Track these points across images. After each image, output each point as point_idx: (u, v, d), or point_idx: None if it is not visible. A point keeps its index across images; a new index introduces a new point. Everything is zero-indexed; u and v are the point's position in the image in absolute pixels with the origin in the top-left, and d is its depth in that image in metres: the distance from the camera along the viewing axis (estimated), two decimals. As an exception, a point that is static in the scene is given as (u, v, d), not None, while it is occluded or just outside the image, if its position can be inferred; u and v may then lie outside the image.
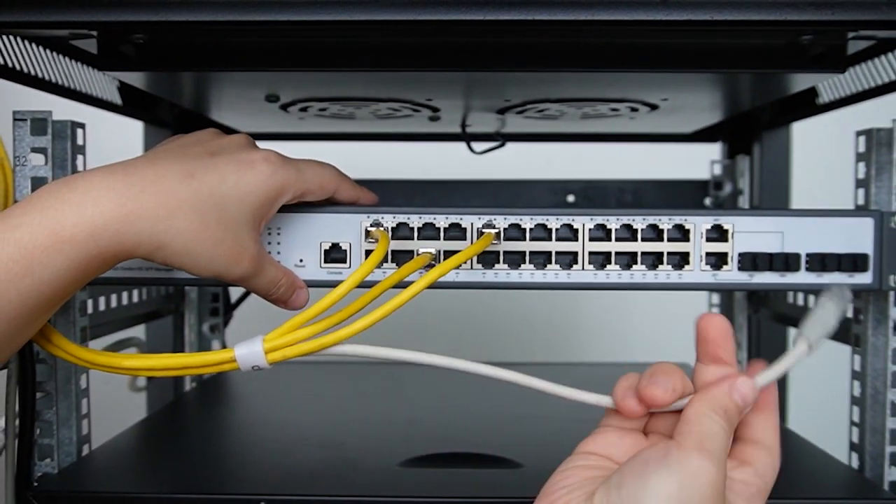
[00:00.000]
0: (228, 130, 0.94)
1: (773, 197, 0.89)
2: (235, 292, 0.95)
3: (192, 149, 0.47)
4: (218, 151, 0.47)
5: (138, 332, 0.84)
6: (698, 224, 0.54)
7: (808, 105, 0.80)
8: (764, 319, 0.88)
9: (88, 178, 0.42)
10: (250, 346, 0.46)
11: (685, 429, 0.42)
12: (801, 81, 0.65)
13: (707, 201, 0.96)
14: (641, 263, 0.54)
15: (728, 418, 0.42)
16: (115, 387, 0.91)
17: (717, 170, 0.95)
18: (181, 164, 0.45)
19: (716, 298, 0.96)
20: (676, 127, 0.93)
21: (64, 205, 0.41)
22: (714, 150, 0.99)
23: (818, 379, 1.08)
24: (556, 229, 0.54)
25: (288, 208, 0.52)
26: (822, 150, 1.15)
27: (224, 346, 0.95)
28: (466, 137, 0.86)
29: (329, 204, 0.53)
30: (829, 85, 0.76)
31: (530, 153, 1.13)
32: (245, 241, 0.47)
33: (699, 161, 0.99)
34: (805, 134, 0.92)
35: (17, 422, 0.56)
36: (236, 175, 0.46)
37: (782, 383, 0.90)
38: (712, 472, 0.39)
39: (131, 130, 0.91)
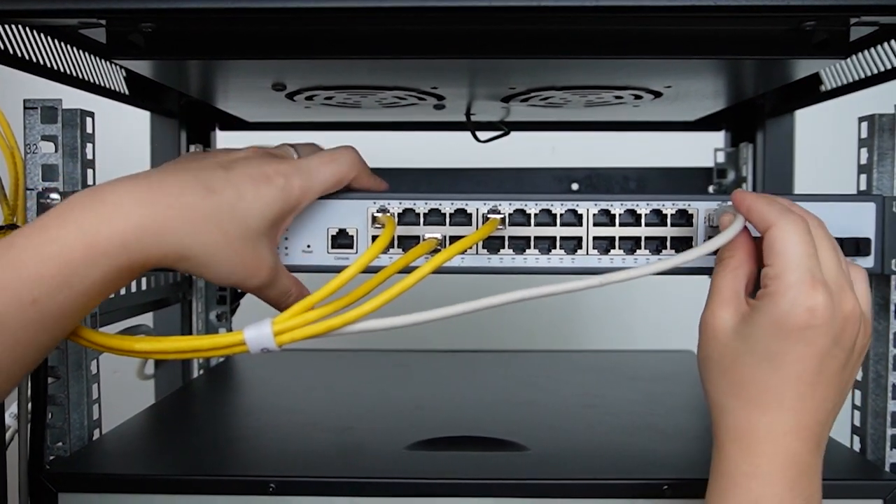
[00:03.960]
0: (235, 121, 0.95)
1: (776, 184, 0.89)
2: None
3: (204, 161, 0.48)
4: (230, 165, 0.48)
5: (146, 319, 0.85)
6: (701, 209, 0.54)
7: (812, 92, 0.80)
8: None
9: (117, 192, 0.43)
10: (259, 328, 0.47)
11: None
12: (803, 68, 0.65)
13: (711, 189, 0.96)
14: (645, 248, 0.54)
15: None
16: (124, 374, 0.92)
17: (721, 158, 0.96)
18: (199, 179, 0.46)
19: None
20: (680, 115, 0.93)
21: (97, 219, 0.42)
22: (718, 139, 0.99)
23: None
24: (561, 214, 0.54)
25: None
26: (825, 138, 1.15)
27: (231, 334, 0.95)
28: (471, 126, 0.87)
29: (341, 190, 0.54)
30: (832, 72, 0.76)
31: (535, 142, 1.13)
32: (263, 253, 0.48)
33: (703, 150, 0.99)
34: (808, 121, 0.92)
35: (29, 406, 0.57)
36: (254, 191, 0.47)
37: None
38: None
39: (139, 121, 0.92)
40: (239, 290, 0.97)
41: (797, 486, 0.45)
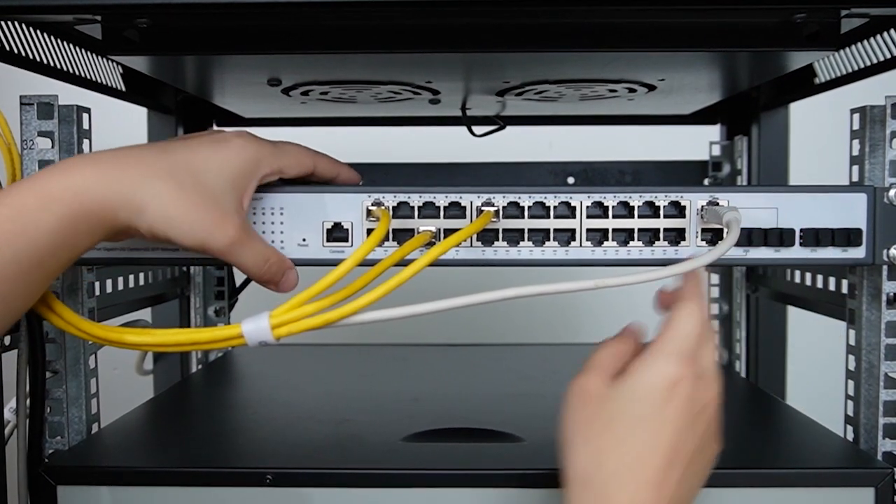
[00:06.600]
0: (231, 117, 0.95)
1: (771, 177, 0.90)
2: (241, 275, 0.96)
3: (172, 140, 0.52)
4: (195, 137, 0.51)
5: (144, 315, 0.85)
6: (694, 200, 0.55)
7: (806, 85, 0.80)
8: (763, 298, 0.89)
9: (73, 158, 0.47)
10: (257, 321, 0.47)
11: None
12: (796, 60, 0.66)
13: (706, 182, 0.96)
14: (638, 240, 0.55)
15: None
16: (123, 371, 0.92)
17: (716, 151, 0.96)
18: (156, 146, 0.49)
19: (715, 278, 0.97)
20: (674, 108, 0.93)
21: (50, 174, 0.45)
22: (713, 132, 0.99)
23: (814, 354, 1.09)
24: (555, 207, 0.55)
25: (290, 188, 0.54)
26: (820, 132, 1.15)
27: (229, 329, 0.96)
28: (467, 120, 0.87)
29: (314, 181, 0.55)
30: (825, 64, 0.76)
31: (532, 137, 1.13)
32: (227, 209, 0.49)
33: (700, 142, 1.00)
34: (804, 114, 0.93)
35: (27, 401, 0.58)
36: (209, 149, 0.49)
37: (781, 360, 0.92)
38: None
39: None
40: (238, 287, 0.97)
41: None
